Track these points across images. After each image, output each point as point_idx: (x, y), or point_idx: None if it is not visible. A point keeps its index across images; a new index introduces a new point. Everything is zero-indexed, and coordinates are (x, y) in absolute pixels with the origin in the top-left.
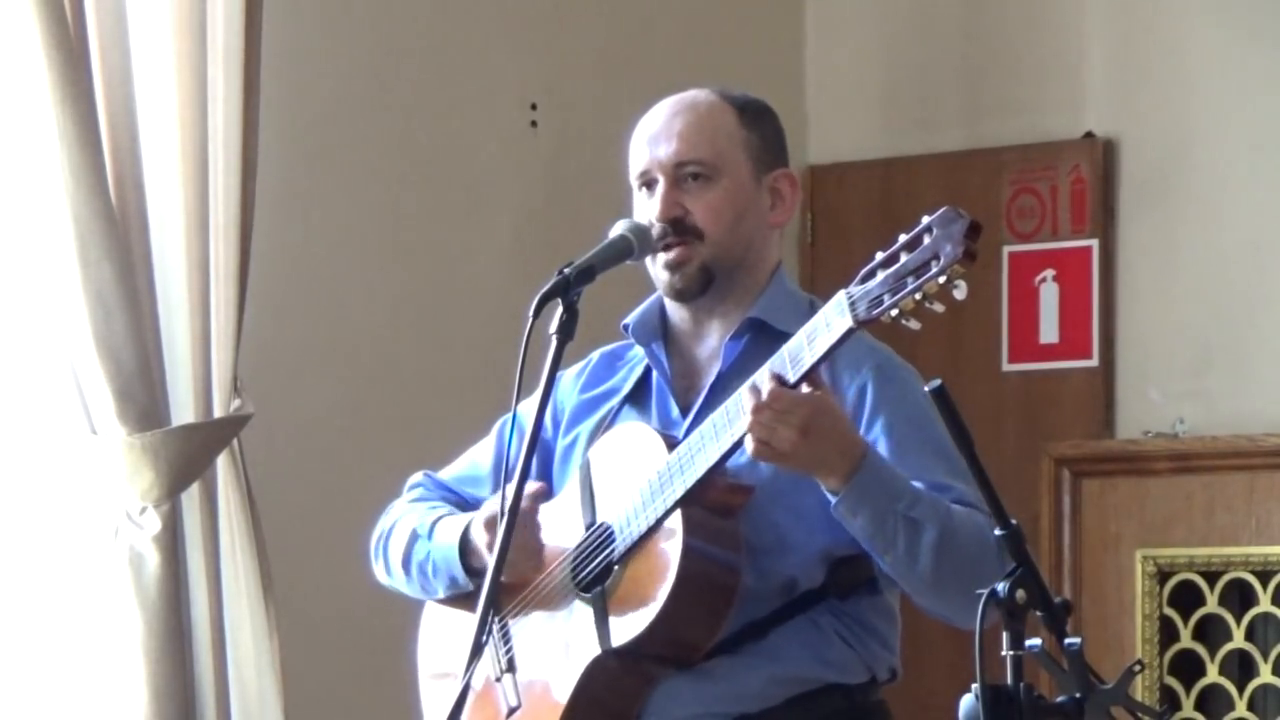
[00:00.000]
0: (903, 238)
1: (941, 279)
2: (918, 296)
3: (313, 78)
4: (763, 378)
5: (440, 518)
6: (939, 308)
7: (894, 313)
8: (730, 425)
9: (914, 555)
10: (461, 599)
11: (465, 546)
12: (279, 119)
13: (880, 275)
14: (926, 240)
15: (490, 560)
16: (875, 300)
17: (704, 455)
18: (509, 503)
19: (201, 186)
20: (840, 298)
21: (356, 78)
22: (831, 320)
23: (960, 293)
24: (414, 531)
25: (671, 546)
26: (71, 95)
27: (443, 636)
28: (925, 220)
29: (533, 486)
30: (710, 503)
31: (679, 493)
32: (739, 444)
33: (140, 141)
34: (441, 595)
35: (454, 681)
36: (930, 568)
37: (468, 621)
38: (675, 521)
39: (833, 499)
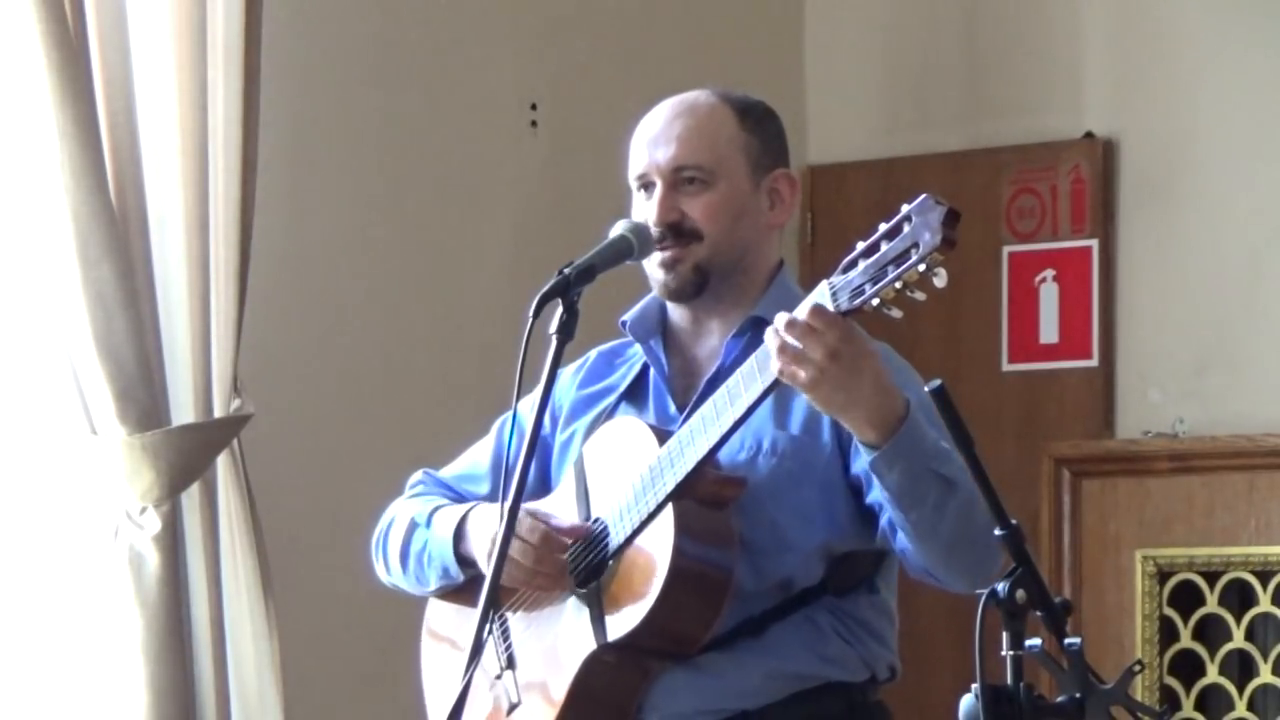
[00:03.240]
0: (882, 227)
1: (921, 267)
2: (898, 285)
3: (313, 78)
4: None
5: (439, 507)
6: (921, 296)
7: (875, 302)
8: (719, 417)
9: (941, 513)
10: (456, 593)
11: (459, 536)
12: (279, 119)
13: (861, 265)
14: (906, 229)
15: (489, 558)
16: (857, 290)
17: (694, 449)
18: (509, 502)
19: (201, 186)
20: (822, 288)
21: (356, 78)
22: None
23: (940, 280)
24: (412, 520)
25: (663, 541)
26: (71, 95)
27: (449, 606)
28: (904, 209)
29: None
30: (702, 496)
31: (669, 486)
32: (729, 435)
33: (140, 141)
34: (434, 586)
35: (452, 649)
36: (952, 528)
37: (468, 614)
38: (667, 515)
39: (868, 453)
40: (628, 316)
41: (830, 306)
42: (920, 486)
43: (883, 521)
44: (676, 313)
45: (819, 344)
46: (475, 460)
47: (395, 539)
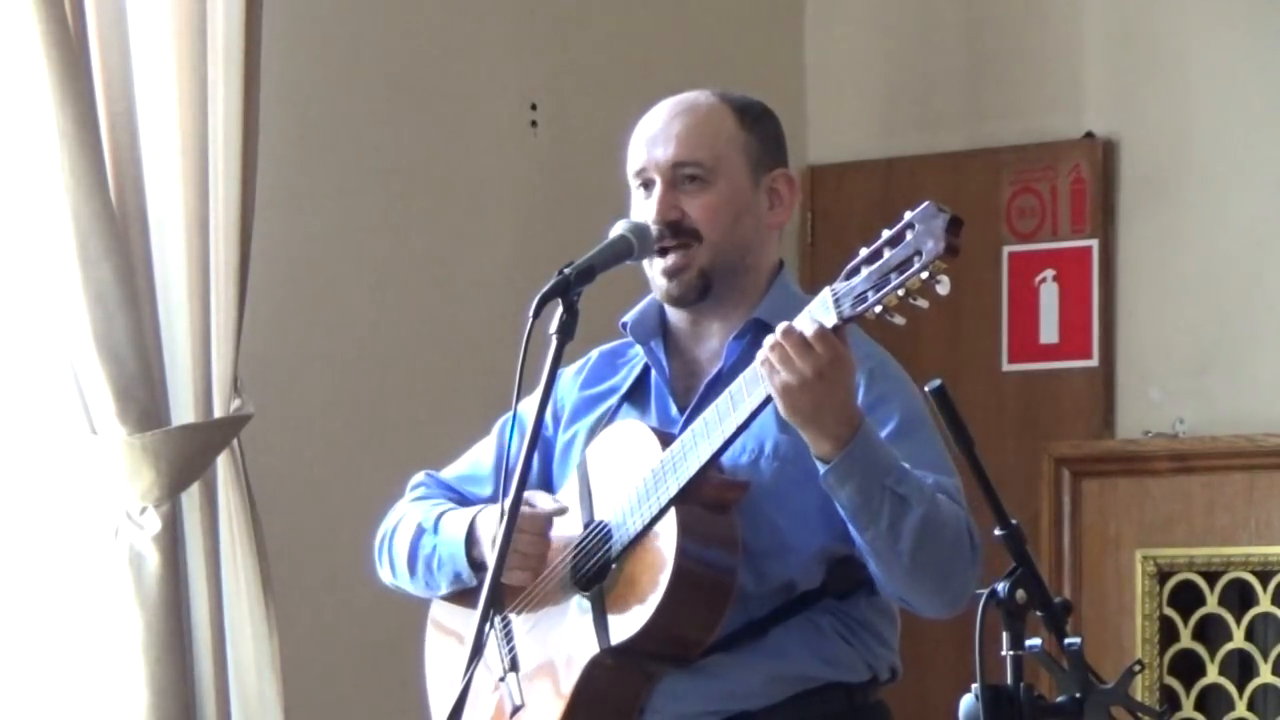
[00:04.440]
0: (885, 234)
1: (924, 275)
2: (901, 293)
3: (313, 77)
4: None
5: (445, 511)
6: (923, 304)
7: (878, 309)
8: (722, 422)
9: (896, 533)
10: (464, 595)
11: (471, 540)
12: (279, 119)
13: (864, 271)
14: (909, 236)
15: (491, 557)
16: (859, 297)
17: (697, 452)
18: (509, 502)
19: (201, 186)
20: (825, 295)
21: (356, 78)
22: (817, 317)
23: (944, 288)
24: (419, 526)
25: (666, 544)
26: (71, 95)
27: (454, 606)
28: (907, 216)
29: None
30: (705, 499)
31: (673, 490)
32: (732, 440)
33: (140, 141)
34: (444, 591)
35: (456, 644)
36: (910, 548)
37: (473, 614)
38: (670, 519)
39: (822, 466)
40: (628, 318)
41: (833, 312)
42: (874, 503)
43: (858, 543)
44: (676, 314)
45: (810, 362)
46: (477, 461)
47: (401, 543)
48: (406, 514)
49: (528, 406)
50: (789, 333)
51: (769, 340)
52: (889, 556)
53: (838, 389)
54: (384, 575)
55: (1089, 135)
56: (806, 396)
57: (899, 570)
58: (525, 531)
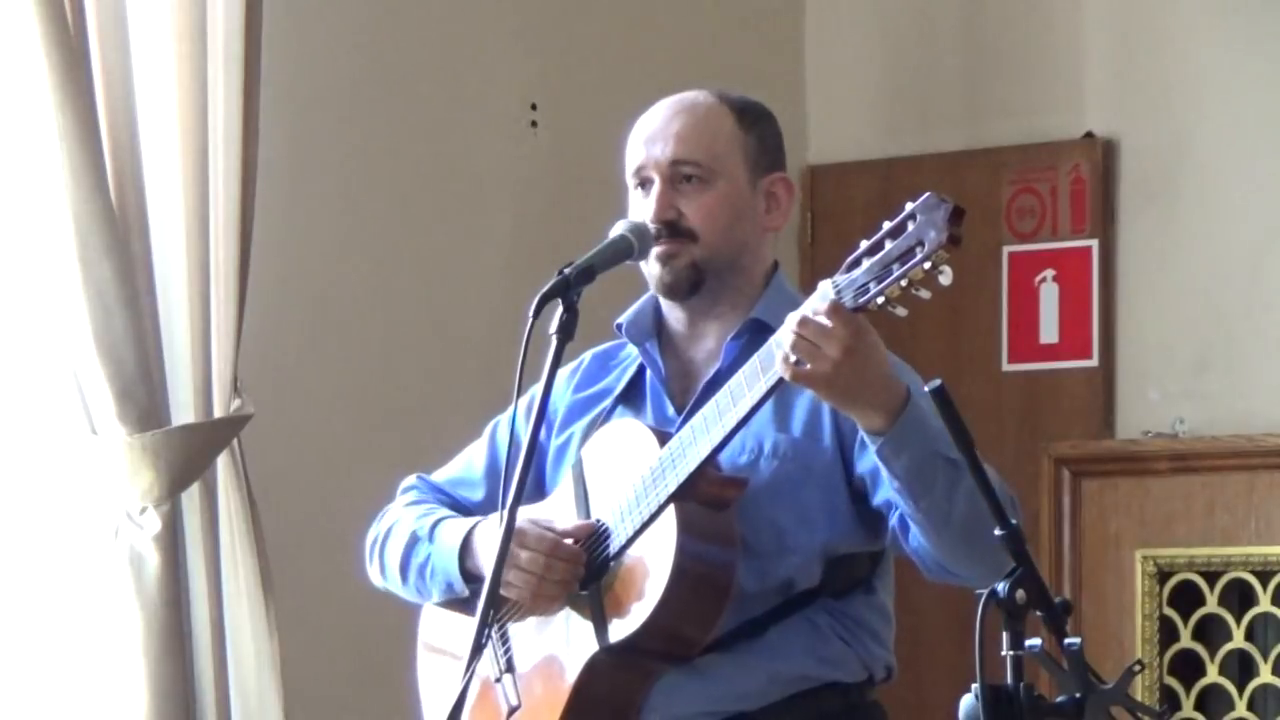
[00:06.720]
0: (886, 225)
1: (926, 265)
2: (903, 283)
3: (313, 78)
4: (799, 312)
5: (441, 520)
6: (925, 294)
7: (880, 300)
8: (722, 417)
9: (951, 499)
10: (458, 603)
11: (466, 550)
12: (279, 119)
13: (865, 263)
14: (910, 227)
15: (489, 565)
16: (861, 289)
17: (696, 449)
18: (508, 505)
19: (201, 186)
20: (825, 287)
21: (356, 78)
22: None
23: (946, 278)
24: (414, 534)
25: (665, 542)
26: (71, 95)
27: (444, 620)
28: (909, 207)
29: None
30: (704, 497)
31: (671, 488)
32: (730, 436)
33: (140, 141)
34: (437, 599)
35: (450, 660)
36: (964, 512)
37: (467, 621)
38: (669, 517)
39: (874, 440)
40: (623, 319)
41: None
42: (928, 471)
43: (892, 522)
44: (673, 315)
45: (835, 341)
46: (469, 464)
47: (395, 549)
48: (400, 519)
49: (522, 409)
50: (804, 323)
51: (785, 340)
52: (941, 525)
53: (871, 359)
54: (374, 577)
55: (1089, 135)
56: (844, 377)
57: (951, 538)
58: (530, 549)
